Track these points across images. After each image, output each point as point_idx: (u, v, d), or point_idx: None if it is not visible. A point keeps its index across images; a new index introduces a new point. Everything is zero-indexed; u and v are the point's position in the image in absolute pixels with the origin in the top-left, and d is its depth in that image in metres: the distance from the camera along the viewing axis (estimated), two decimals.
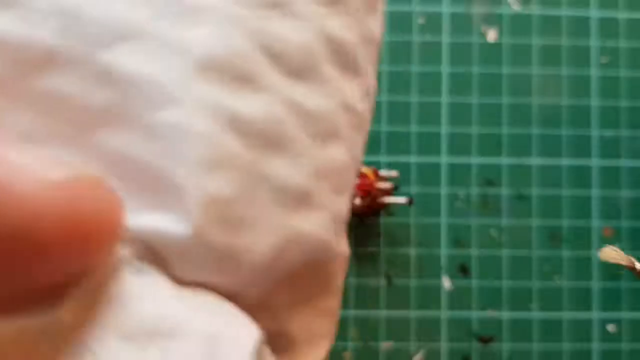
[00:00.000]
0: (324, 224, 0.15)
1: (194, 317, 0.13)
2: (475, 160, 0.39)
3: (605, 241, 0.39)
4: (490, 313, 0.39)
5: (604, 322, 0.39)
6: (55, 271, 0.11)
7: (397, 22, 0.40)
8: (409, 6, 0.40)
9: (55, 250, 0.11)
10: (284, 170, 0.14)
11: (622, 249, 0.39)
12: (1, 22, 0.13)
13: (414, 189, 0.39)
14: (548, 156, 0.40)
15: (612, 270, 0.39)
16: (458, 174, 0.39)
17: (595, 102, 0.40)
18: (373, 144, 0.39)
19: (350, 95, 0.16)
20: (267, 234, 0.14)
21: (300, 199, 0.15)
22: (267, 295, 0.15)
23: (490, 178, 0.39)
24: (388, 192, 0.36)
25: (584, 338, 0.39)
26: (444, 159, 0.39)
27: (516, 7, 0.40)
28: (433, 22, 0.40)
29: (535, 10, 0.40)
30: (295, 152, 0.15)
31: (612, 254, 0.31)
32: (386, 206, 0.39)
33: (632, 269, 0.30)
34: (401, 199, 0.32)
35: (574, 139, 0.40)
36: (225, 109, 0.13)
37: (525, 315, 0.39)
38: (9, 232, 0.10)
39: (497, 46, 0.40)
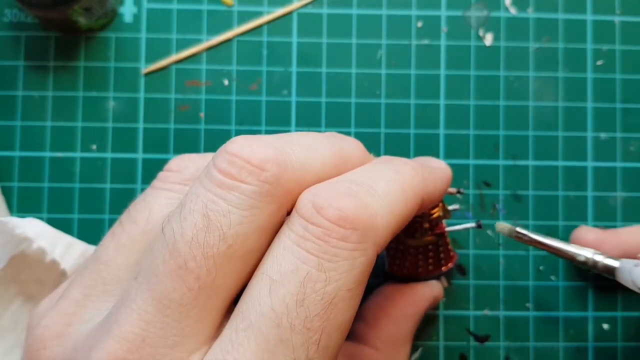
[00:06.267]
0: None
1: None
2: (472, 161, 0.40)
3: None
4: (487, 312, 0.39)
5: (599, 321, 0.39)
6: None
7: (395, 26, 0.40)
8: (408, 10, 0.41)
9: None
10: None
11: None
12: None
13: None
14: (544, 158, 0.40)
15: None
16: (456, 175, 0.39)
17: (590, 104, 0.40)
18: (373, 146, 0.39)
19: None
20: None
21: None
22: None
23: (487, 179, 0.40)
24: None
25: (580, 337, 0.39)
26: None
27: (513, 11, 0.41)
28: (431, 26, 0.40)
29: (531, 14, 0.41)
30: None
31: (503, 226, 0.33)
32: None
33: (519, 238, 0.32)
34: None
35: (569, 141, 0.40)
36: None
37: (521, 315, 0.39)
38: None
39: (494, 49, 0.40)
